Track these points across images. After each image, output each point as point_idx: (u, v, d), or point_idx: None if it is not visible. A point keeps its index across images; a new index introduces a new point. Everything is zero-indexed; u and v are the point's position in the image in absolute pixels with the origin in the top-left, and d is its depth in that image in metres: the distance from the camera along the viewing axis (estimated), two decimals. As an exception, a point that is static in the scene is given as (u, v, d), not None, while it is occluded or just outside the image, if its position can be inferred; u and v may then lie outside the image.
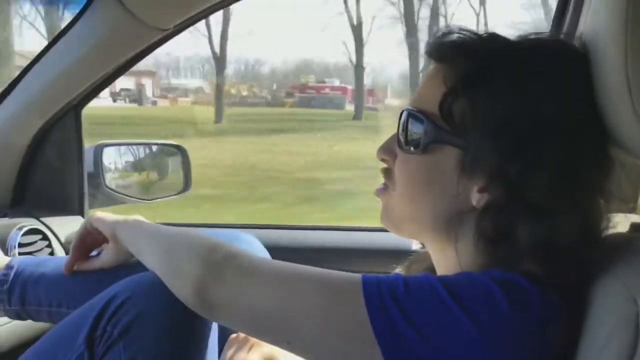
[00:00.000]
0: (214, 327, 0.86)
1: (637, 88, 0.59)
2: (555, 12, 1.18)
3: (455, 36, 0.76)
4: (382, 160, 0.81)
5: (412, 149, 0.76)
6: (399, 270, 0.91)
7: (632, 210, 1.11)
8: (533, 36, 0.75)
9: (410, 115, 0.77)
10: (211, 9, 1.06)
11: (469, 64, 0.72)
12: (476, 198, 0.72)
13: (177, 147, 1.44)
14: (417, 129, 0.76)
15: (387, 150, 0.80)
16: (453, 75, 0.72)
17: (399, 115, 0.79)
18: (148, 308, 0.77)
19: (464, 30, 0.76)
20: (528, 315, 0.64)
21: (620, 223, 0.84)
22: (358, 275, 0.69)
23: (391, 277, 0.68)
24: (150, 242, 0.85)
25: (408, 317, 0.63)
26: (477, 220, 0.72)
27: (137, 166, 1.52)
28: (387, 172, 0.81)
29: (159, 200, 1.43)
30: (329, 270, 0.72)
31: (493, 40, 0.75)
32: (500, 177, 0.69)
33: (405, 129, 0.77)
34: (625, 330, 0.54)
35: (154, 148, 1.50)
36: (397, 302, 0.64)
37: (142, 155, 1.51)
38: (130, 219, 0.92)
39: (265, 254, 1.03)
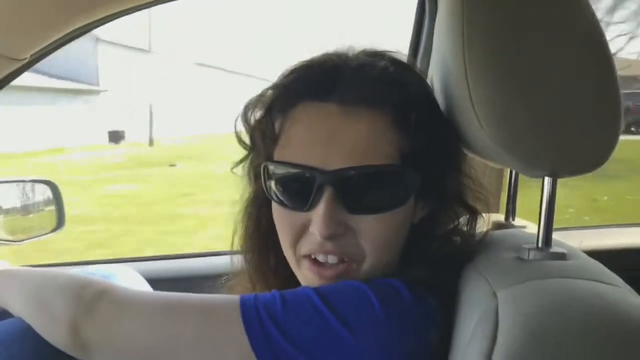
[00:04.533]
0: None
1: (477, 97, 0.64)
2: (412, 35, 1.26)
3: (373, 73, 0.71)
4: (332, 236, 0.70)
5: (389, 206, 0.70)
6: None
7: (496, 210, 1.20)
8: (392, 55, 0.78)
9: (374, 172, 0.69)
10: (70, 35, 1.01)
11: (411, 102, 0.71)
12: (417, 216, 0.77)
13: (46, 182, 1.35)
14: (390, 185, 0.70)
15: (339, 223, 0.70)
16: (402, 119, 0.69)
17: (332, 178, 0.69)
18: (14, 357, 0.71)
19: (369, 64, 0.73)
20: (402, 318, 0.66)
21: (485, 222, 0.91)
22: (236, 297, 0.68)
23: (268, 295, 0.68)
24: (16, 286, 0.79)
25: (286, 333, 0.64)
26: (411, 233, 0.77)
27: (3, 206, 1.41)
28: (341, 247, 0.71)
29: (30, 240, 1.33)
30: (208, 295, 0.71)
31: (402, 70, 0.76)
32: (436, 192, 0.75)
33: (365, 190, 0.69)
34: (486, 323, 0.58)
35: (19, 185, 1.39)
36: (274, 319, 0.65)
37: (7, 193, 1.40)
38: None
39: (145, 287, 1.00)
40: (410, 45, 1.23)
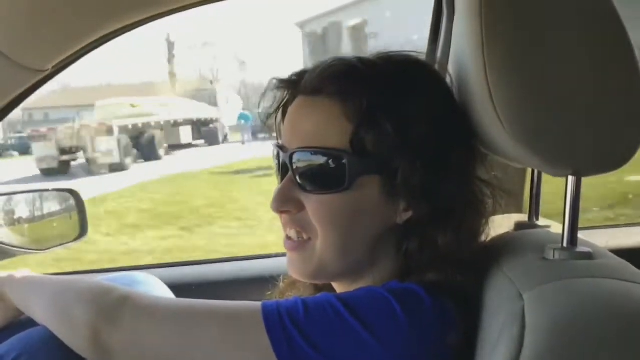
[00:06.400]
0: None
1: (498, 97, 0.63)
2: (429, 35, 1.25)
3: (339, 68, 0.75)
4: (284, 212, 0.77)
5: (331, 189, 0.73)
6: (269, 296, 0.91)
7: (519, 210, 1.19)
8: (397, 55, 0.78)
9: (318, 154, 0.74)
10: (91, 46, 1.03)
11: (368, 94, 0.72)
12: (401, 216, 0.75)
13: (69, 191, 1.37)
14: (331, 168, 0.73)
15: (288, 199, 0.76)
16: (355, 109, 0.72)
17: (289, 157, 0.76)
18: None
19: (341, 60, 0.76)
20: (424, 323, 0.66)
21: (505, 223, 0.90)
22: (258, 303, 0.68)
23: (290, 301, 0.68)
24: (39, 294, 0.80)
25: (309, 338, 0.64)
26: (402, 236, 0.75)
27: (28, 216, 1.43)
28: (298, 222, 0.77)
29: (54, 249, 1.35)
30: (230, 301, 0.71)
31: (372, 66, 0.75)
32: (419, 192, 0.72)
33: (312, 170, 0.74)
34: (513, 325, 0.57)
35: (44, 195, 1.41)
36: (297, 325, 0.65)
37: (32, 203, 1.42)
38: (16, 274, 0.87)
39: (167, 294, 1.00)
40: (429, 45, 1.23)
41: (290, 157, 0.76)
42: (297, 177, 0.75)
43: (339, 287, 0.83)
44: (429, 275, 0.71)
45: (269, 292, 0.93)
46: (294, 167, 0.75)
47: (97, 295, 0.72)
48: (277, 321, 0.66)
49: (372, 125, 0.72)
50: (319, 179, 0.74)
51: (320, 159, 0.74)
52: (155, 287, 1.00)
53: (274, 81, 0.81)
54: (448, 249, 0.72)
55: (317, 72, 0.76)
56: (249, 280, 1.35)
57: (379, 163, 0.73)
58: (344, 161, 0.72)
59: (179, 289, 1.03)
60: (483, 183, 0.78)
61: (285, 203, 0.76)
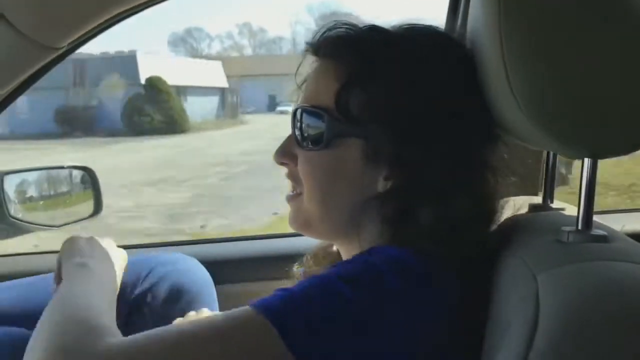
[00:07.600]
0: None
1: (515, 77, 0.62)
2: (448, 8, 1.23)
3: (340, 31, 0.78)
4: (282, 164, 0.82)
5: (313, 146, 0.77)
6: (296, 269, 0.93)
7: (534, 193, 1.18)
8: (409, 25, 0.78)
9: (307, 112, 0.78)
10: (106, 23, 1.03)
11: (358, 58, 0.74)
12: (382, 184, 0.75)
13: (85, 168, 1.38)
14: (316, 125, 0.77)
15: (285, 153, 0.81)
16: (344, 70, 0.74)
17: (292, 114, 0.80)
18: None
19: (347, 24, 0.78)
20: (421, 293, 0.66)
21: (519, 205, 0.89)
22: (248, 307, 0.63)
23: (285, 296, 0.64)
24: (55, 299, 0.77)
25: (311, 325, 0.61)
26: (381, 204, 0.74)
27: (44, 192, 1.45)
28: (293, 176, 0.81)
29: (69, 225, 1.36)
30: (217, 316, 0.67)
31: (377, 32, 0.77)
32: (401, 162, 0.72)
33: (302, 127, 0.78)
34: (526, 307, 0.57)
35: (60, 172, 1.43)
36: (299, 314, 0.62)
37: (48, 180, 1.44)
38: (101, 242, 0.93)
39: (202, 272, 1.01)
40: (446, 23, 1.21)
41: (294, 114, 0.80)
42: (295, 133, 0.80)
43: (341, 249, 0.85)
44: (425, 247, 0.69)
45: (298, 265, 0.95)
46: (294, 123, 0.80)
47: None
48: (279, 314, 0.61)
49: (356, 88, 0.73)
50: (306, 136, 0.78)
51: (309, 117, 0.77)
52: (193, 268, 1.00)
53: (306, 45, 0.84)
54: (430, 225, 0.70)
55: (317, 34, 0.80)
56: (276, 258, 1.34)
57: (362, 127, 0.74)
58: (324, 120, 0.75)
59: (214, 265, 1.03)
60: (487, 168, 0.76)
61: (283, 156, 0.81)
